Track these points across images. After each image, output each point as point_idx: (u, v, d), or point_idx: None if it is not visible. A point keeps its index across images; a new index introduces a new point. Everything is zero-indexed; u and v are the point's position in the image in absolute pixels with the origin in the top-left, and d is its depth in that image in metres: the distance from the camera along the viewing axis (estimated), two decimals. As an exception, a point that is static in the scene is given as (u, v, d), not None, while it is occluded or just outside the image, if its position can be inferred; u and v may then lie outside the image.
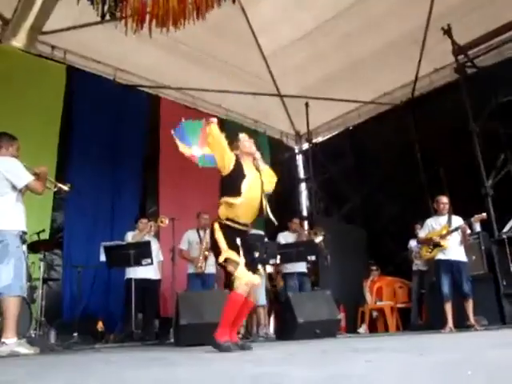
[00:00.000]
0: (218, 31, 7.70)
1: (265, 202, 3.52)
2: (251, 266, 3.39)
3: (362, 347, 2.87)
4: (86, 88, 7.25)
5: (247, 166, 3.60)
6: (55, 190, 4.47)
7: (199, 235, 6.50)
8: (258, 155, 3.70)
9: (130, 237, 6.18)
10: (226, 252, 3.34)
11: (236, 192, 3.41)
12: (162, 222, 6.22)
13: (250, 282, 3.30)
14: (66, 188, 4.38)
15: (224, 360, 2.34)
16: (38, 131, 6.66)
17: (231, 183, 3.49)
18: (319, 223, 7.75)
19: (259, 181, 3.57)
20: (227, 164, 3.49)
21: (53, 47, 7.18)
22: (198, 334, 4.57)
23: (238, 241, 3.36)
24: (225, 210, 3.48)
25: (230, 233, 3.42)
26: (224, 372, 1.78)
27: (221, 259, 3.36)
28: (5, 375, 2.03)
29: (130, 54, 7.44)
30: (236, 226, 3.46)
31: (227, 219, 3.47)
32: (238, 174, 3.50)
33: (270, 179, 3.73)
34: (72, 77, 7.20)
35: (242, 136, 3.75)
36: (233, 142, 3.68)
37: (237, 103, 9.11)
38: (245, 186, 3.42)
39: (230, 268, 3.33)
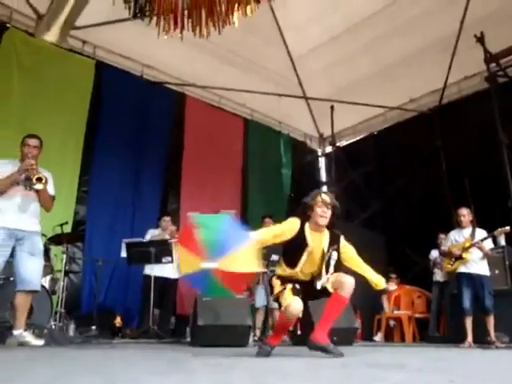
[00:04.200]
0: (246, 30, 7.63)
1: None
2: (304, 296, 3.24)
3: (383, 362, 2.83)
4: (113, 83, 7.33)
5: (312, 234, 3.26)
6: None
7: None
8: (327, 221, 3.28)
9: (149, 235, 6.18)
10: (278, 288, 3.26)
11: (293, 264, 3.23)
12: None
13: (289, 309, 3.11)
14: (38, 186, 4.12)
15: (244, 370, 2.34)
16: (65, 124, 6.79)
17: (290, 251, 3.28)
18: (338, 228, 7.69)
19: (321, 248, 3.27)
20: (284, 238, 3.26)
21: (84, 42, 7.29)
22: (214, 336, 4.61)
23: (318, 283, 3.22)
24: (281, 272, 3.34)
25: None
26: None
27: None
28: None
29: (158, 51, 7.47)
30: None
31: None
32: (298, 242, 3.22)
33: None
34: (100, 72, 7.29)
35: (321, 198, 3.29)
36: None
37: (261, 103, 9.10)
38: (304, 258, 3.20)
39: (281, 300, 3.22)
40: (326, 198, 3.30)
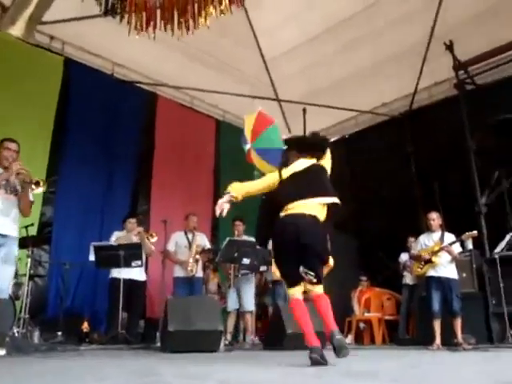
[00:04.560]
0: (220, 31, 7.58)
1: None
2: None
3: (356, 370, 2.82)
4: (82, 81, 7.13)
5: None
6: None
7: (187, 238, 6.40)
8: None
9: (114, 237, 6.04)
10: None
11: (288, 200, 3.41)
12: (151, 235, 6.11)
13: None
14: (38, 188, 4.13)
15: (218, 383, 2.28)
16: (31, 122, 6.55)
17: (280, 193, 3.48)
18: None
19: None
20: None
21: (51, 38, 7.07)
22: (185, 341, 4.53)
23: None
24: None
25: None
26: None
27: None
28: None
29: (129, 49, 7.30)
30: None
31: None
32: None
33: None
34: (69, 69, 7.09)
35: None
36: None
37: (234, 105, 9.03)
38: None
39: None
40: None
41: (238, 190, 3.47)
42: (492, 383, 2.19)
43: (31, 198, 4.24)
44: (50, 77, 6.91)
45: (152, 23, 4.83)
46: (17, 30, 6.64)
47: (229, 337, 6.15)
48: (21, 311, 4.94)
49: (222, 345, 4.93)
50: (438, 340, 5.48)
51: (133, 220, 6.32)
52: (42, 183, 4.14)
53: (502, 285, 5.79)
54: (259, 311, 7.27)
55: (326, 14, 7.71)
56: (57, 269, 6.20)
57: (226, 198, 3.42)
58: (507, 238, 6.36)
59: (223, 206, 3.40)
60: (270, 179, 3.58)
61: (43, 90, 6.79)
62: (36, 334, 4.93)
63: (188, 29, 4.85)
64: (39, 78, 6.74)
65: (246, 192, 3.49)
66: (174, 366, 3.15)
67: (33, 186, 4.10)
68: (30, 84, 6.61)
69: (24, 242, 5.16)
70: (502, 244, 6.27)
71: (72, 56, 7.20)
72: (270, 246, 6.79)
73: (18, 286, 5.01)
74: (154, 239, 6.10)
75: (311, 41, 8.20)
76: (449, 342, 5.47)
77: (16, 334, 4.58)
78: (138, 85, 7.96)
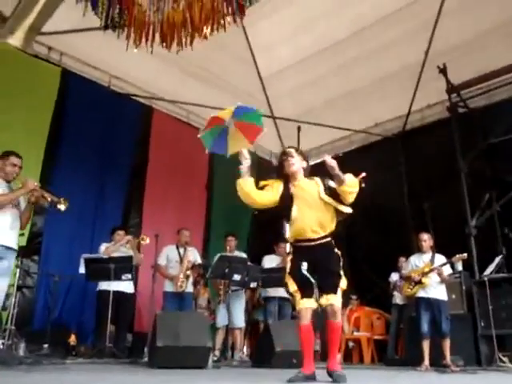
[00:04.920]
0: (217, 47, 7.67)
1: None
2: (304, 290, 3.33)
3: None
4: (79, 93, 7.14)
5: (295, 186, 3.44)
6: (48, 205, 4.32)
7: (179, 252, 6.37)
8: (295, 167, 3.46)
9: (103, 247, 5.99)
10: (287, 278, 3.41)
11: (289, 216, 3.37)
12: (143, 239, 6.09)
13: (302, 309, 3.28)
14: (61, 206, 4.25)
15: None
16: (26, 132, 6.55)
17: (284, 208, 3.41)
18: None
19: (313, 194, 3.40)
20: (272, 202, 3.45)
21: (50, 49, 7.09)
22: (174, 357, 4.48)
23: (304, 265, 3.30)
24: (289, 236, 3.48)
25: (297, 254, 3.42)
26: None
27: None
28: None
29: (127, 63, 7.34)
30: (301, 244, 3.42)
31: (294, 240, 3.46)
32: (286, 196, 3.41)
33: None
34: (66, 80, 7.10)
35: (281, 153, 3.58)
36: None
37: (230, 120, 9.08)
38: (294, 211, 3.35)
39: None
40: (288, 150, 3.56)
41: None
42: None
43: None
44: (47, 87, 6.93)
45: (150, 38, 4.88)
46: (15, 39, 6.67)
47: (217, 353, 6.11)
48: (7, 322, 4.87)
49: (210, 361, 4.89)
50: (426, 361, 5.48)
51: (121, 232, 6.27)
52: (63, 201, 4.26)
53: (490, 307, 5.82)
54: (249, 327, 7.23)
55: (323, 33, 7.82)
56: (45, 280, 6.14)
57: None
58: (496, 260, 6.42)
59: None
60: None
61: (39, 100, 6.80)
62: (22, 346, 4.85)
63: (186, 45, 4.91)
64: (36, 87, 6.75)
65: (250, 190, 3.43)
66: (161, 382, 3.12)
67: (57, 205, 4.23)
68: (26, 93, 6.61)
69: (14, 253, 5.13)
70: (492, 266, 6.32)
71: (69, 67, 7.22)
72: (264, 261, 6.82)
73: (5, 296, 4.94)
74: (147, 241, 6.07)
75: (307, 60, 8.30)
76: (437, 363, 5.48)
77: (1, 346, 4.51)
78: (135, 98, 7.99)
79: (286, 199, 3.39)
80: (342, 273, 3.37)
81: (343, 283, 3.35)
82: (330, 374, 3.28)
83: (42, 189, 4.33)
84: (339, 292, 3.31)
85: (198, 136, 3.44)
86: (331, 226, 3.44)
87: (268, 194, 3.46)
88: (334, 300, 3.25)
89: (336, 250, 3.43)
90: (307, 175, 3.53)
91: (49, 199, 4.25)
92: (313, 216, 3.36)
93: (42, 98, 6.84)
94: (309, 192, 3.41)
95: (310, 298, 3.29)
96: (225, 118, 3.40)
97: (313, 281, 3.28)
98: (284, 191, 3.43)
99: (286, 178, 3.49)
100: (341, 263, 3.40)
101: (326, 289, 3.29)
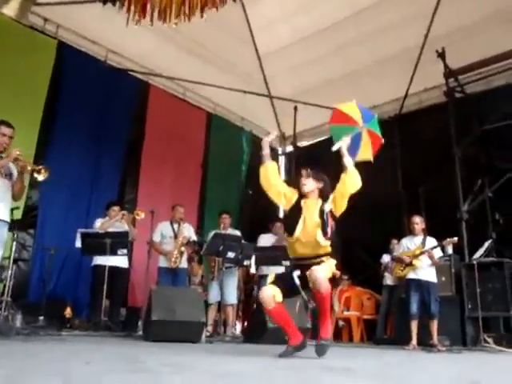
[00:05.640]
0: (216, 24, 7.57)
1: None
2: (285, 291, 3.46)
3: (336, 366, 2.91)
4: (75, 66, 7.07)
5: (306, 203, 3.55)
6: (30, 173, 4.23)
7: (173, 229, 6.42)
8: (307, 187, 3.59)
9: (98, 223, 6.02)
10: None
11: (292, 230, 3.48)
12: (137, 214, 6.12)
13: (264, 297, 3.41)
14: (40, 176, 4.16)
15: (203, 373, 2.35)
16: (21, 104, 6.44)
17: (290, 219, 3.58)
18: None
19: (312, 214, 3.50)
20: (287, 203, 3.60)
21: (45, 20, 6.97)
22: (168, 331, 4.58)
23: (295, 273, 3.45)
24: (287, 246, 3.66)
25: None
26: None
27: None
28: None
29: (124, 38, 7.23)
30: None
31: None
32: (296, 210, 3.53)
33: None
34: (62, 53, 7.01)
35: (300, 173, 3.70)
36: None
37: (226, 99, 9.05)
38: (299, 226, 3.46)
39: None
40: (303, 171, 3.67)
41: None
42: (462, 382, 2.29)
43: (24, 183, 4.27)
44: (42, 60, 6.83)
45: (149, 12, 4.82)
46: (10, 9, 6.53)
47: (210, 328, 6.22)
48: (3, 294, 4.92)
49: (203, 336, 5.00)
50: (414, 340, 5.62)
51: (116, 208, 6.27)
52: (43, 171, 4.15)
53: (478, 290, 5.95)
54: (242, 304, 7.36)
55: (323, 13, 7.76)
56: (41, 253, 6.18)
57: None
58: (486, 244, 6.55)
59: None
60: None
61: (34, 73, 6.70)
62: (18, 318, 4.91)
63: (185, 20, 4.86)
64: (31, 60, 6.64)
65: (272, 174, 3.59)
66: (157, 355, 3.21)
67: (35, 174, 4.12)
68: (20, 66, 6.51)
69: (9, 225, 5.15)
70: (481, 250, 6.45)
71: (65, 40, 7.12)
72: (259, 240, 6.89)
73: (1, 269, 5.00)
74: (142, 216, 6.11)
75: (305, 40, 8.24)
76: (424, 343, 5.63)
77: (-2, 317, 4.57)
78: (131, 73, 7.93)
79: (295, 211, 3.53)
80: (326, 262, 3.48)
81: (330, 262, 3.49)
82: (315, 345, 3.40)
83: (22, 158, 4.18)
84: (324, 265, 3.40)
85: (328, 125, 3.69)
86: (326, 248, 3.52)
87: (286, 187, 3.62)
88: (317, 269, 3.32)
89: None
90: (321, 195, 3.62)
91: (29, 168, 4.14)
92: (310, 237, 3.45)
93: (37, 70, 6.74)
94: (311, 211, 3.51)
95: (280, 293, 3.41)
96: (358, 120, 3.64)
97: (299, 289, 3.42)
98: (296, 204, 3.57)
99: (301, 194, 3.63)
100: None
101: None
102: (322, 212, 3.46)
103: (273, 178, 3.58)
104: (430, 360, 4.06)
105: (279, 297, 3.41)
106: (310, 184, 3.58)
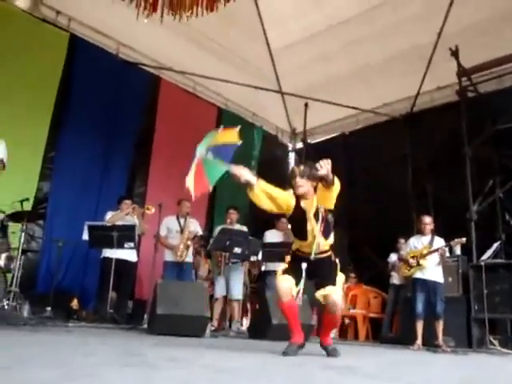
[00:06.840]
0: (228, 19, 7.58)
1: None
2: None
3: (338, 364, 2.91)
4: (86, 59, 7.09)
5: (305, 203, 3.44)
6: None
7: (179, 223, 6.44)
8: (302, 189, 3.41)
9: (109, 215, 6.08)
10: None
11: (302, 236, 3.43)
12: (148, 208, 6.17)
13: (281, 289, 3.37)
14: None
15: (203, 368, 2.36)
16: (33, 96, 6.55)
17: (296, 224, 3.52)
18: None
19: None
20: (286, 209, 3.50)
21: (58, 13, 7.00)
22: (172, 325, 4.61)
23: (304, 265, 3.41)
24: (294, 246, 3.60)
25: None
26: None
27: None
28: None
29: (136, 31, 7.26)
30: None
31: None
32: (299, 213, 3.43)
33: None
34: (74, 46, 7.05)
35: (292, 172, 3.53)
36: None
37: (237, 94, 9.04)
38: (309, 229, 3.39)
39: None
40: (295, 169, 3.50)
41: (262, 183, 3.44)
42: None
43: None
44: (54, 52, 6.87)
45: (161, 7, 4.83)
46: (22, 2, 6.61)
47: (215, 323, 6.25)
48: (11, 284, 4.99)
49: (208, 330, 5.02)
50: (419, 340, 5.61)
51: (128, 201, 6.33)
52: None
53: (485, 291, 5.91)
54: (248, 300, 7.38)
55: (335, 10, 7.71)
56: (50, 245, 6.25)
57: (250, 175, 3.41)
58: (494, 246, 6.48)
59: (242, 172, 3.41)
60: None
61: (46, 66, 6.75)
62: (26, 308, 4.99)
63: (197, 14, 4.85)
64: (43, 52, 6.70)
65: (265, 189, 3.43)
66: (159, 348, 3.24)
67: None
68: (33, 58, 6.58)
69: (18, 216, 5.22)
70: (489, 252, 6.39)
71: (77, 33, 7.14)
72: (265, 236, 6.89)
73: (10, 259, 5.05)
74: (152, 211, 6.16)
75: (317, 36, 8.19)
76: (429, 343, 5.61)
77: (6, 307, 4.64)
78: (143, 67, 7.94)
79: (299, 213, 3.43)
80: (337, 278, 3.44)
81: (340, 278, 3.45)
82: (324, 348, 3.46)
83: None
84: (338, 284, 3.39)
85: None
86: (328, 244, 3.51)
87: (283, 194, 3.49)
88: (333, 291, 3.31)
89: (333, 259, 3.52)
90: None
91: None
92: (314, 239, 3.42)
93: (49, 63, 6.79)
94: (311, 212, 3.42)
95: (292, 280, 3.37)
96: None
97: (303, 281, 3.38)
98: (296, 206, 3.45)
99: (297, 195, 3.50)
100: (338, 269, 3.48)
101: (324, 281, 3.38)
102: (317, 211, 3.37)
103: (274, 193, 3.43)
104: (433, 360, 4.04)
105: (295, 291, 3.37)
106: (304, 185, 3.42)
